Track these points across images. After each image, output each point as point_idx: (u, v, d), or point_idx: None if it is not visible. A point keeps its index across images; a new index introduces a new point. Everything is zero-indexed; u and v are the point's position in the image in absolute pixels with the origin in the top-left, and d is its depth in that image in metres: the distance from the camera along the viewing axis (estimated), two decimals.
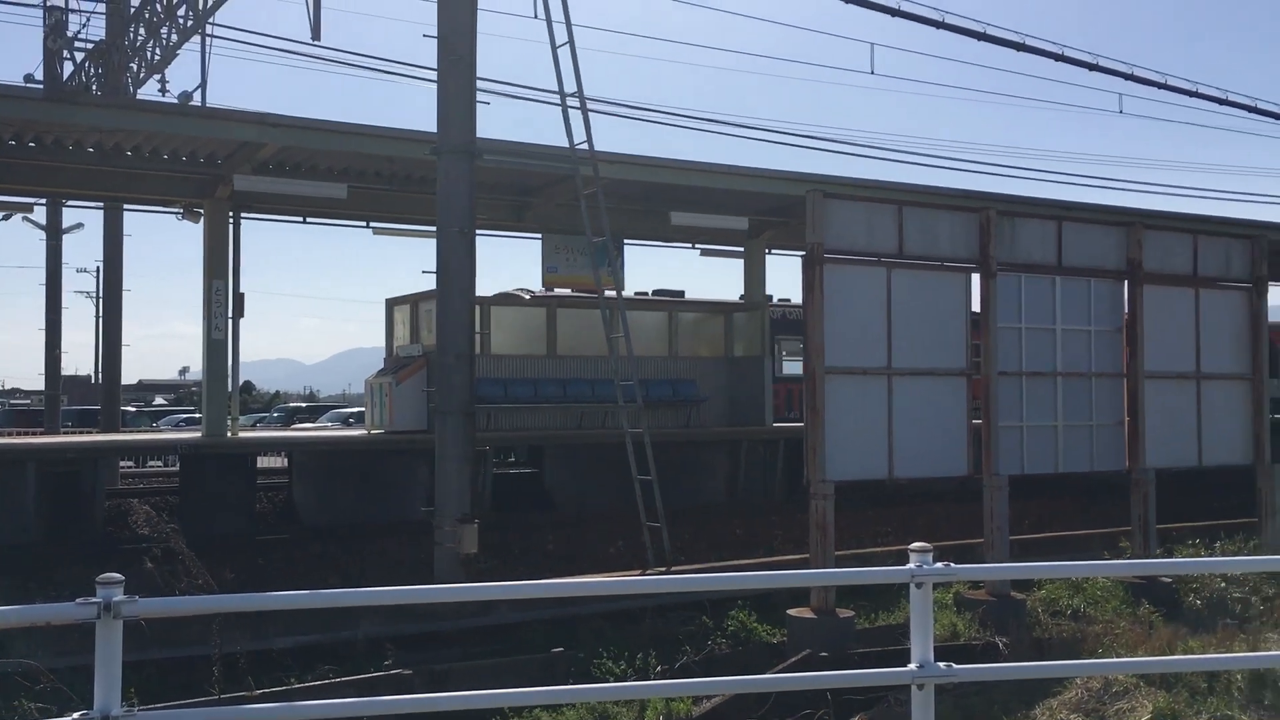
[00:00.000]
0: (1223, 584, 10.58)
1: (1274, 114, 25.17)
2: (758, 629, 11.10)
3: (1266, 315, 13.11)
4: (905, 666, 4.14)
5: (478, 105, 12.82)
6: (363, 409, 24.38)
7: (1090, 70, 20.61)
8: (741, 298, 25.02)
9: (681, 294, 25.31)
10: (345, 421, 31.59)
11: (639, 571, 12.74)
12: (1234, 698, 6.77)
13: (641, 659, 9.52)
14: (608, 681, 9.02)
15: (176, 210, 19.91)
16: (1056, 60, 20.18)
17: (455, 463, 12.37)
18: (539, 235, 21.81)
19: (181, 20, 16.94)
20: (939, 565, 3.56)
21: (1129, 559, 11.48)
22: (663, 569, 12.67)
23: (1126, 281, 12.11)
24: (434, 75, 12.75)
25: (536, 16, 13.95)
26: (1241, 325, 12.81)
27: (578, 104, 13.80)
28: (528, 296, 21.93)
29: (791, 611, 10.08)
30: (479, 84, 13.06)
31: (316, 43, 15.31)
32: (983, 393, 11.38)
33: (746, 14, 28.65)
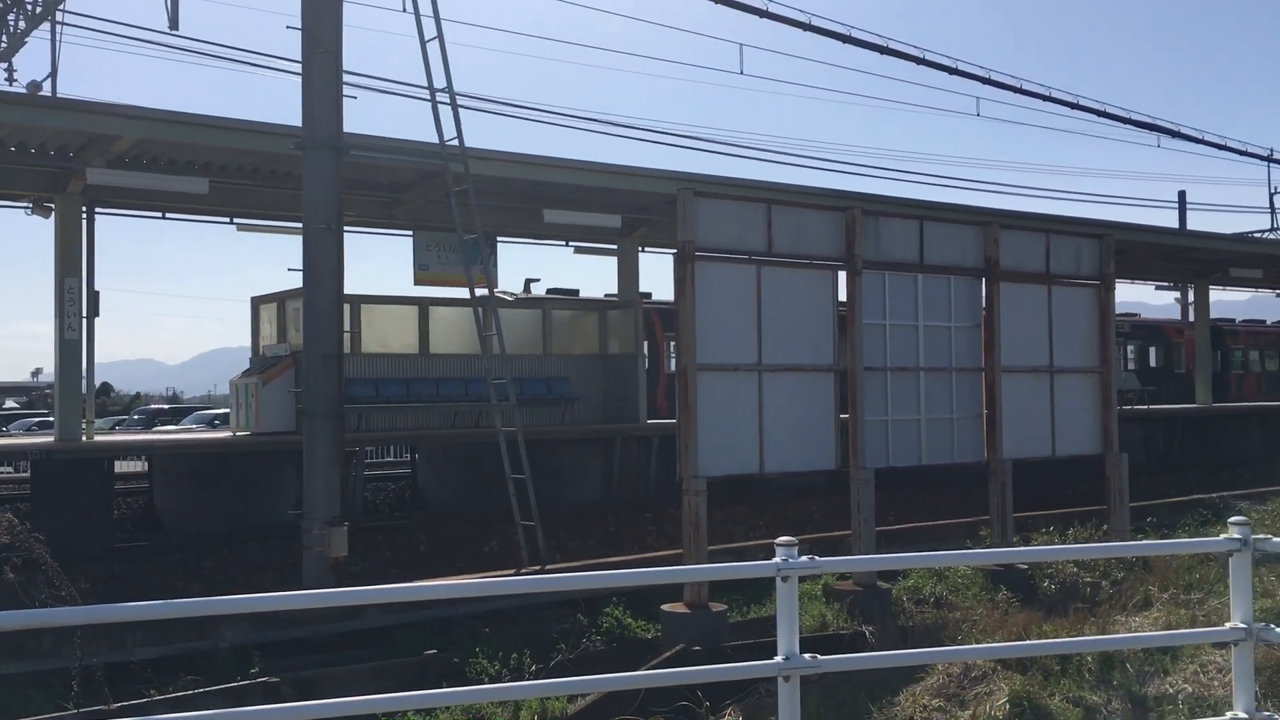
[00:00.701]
0: (1075, 569, 11.04)
1: (1121, 118, 26.42)
2: (633, 625, 11.16)
3: (1114, 310, 13.72)
4: (772, 659, 4.23)
5: (345, 100, 12.56)
6: (228, 410, 23.66)
7: (950, 74, 21.29)
8: (615, 295, 25.10)
9: (576, 293, 25.26)
10: (210, 424, 30.60)
11: (513, 571, 12.67)
12: (1085, 679, 7.08)
13: (516, 659, 9.48)
14: (482, 683, 8.96)
15: (25, 205, 18.96)
16: (918, 64, 20.79)
17: (324, 465, 12.11)
18: (410, 232, 21.47)
19: (30, 6, 16.16)
20: (803, 559, 3.62)
21: (988, 547, 11.90)
22: (537, 568, 12.63)
23: (984, 279, 12.53)
24: (299, 68, 12.44)
25: (405, 10, 13.75)
26: (1091, 320, 13.38)
27: (448, 99, 13.64)
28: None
29: (665, 607, 10.15)
30: (348, 78, 12.80)
31: (175, 32, 14.80)
32: (849, 388, 11.65)
33: (623, 14, 28.76)
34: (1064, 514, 15.26)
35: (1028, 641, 4.64)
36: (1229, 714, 4.41)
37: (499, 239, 22.02)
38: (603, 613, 11.14)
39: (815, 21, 18.82)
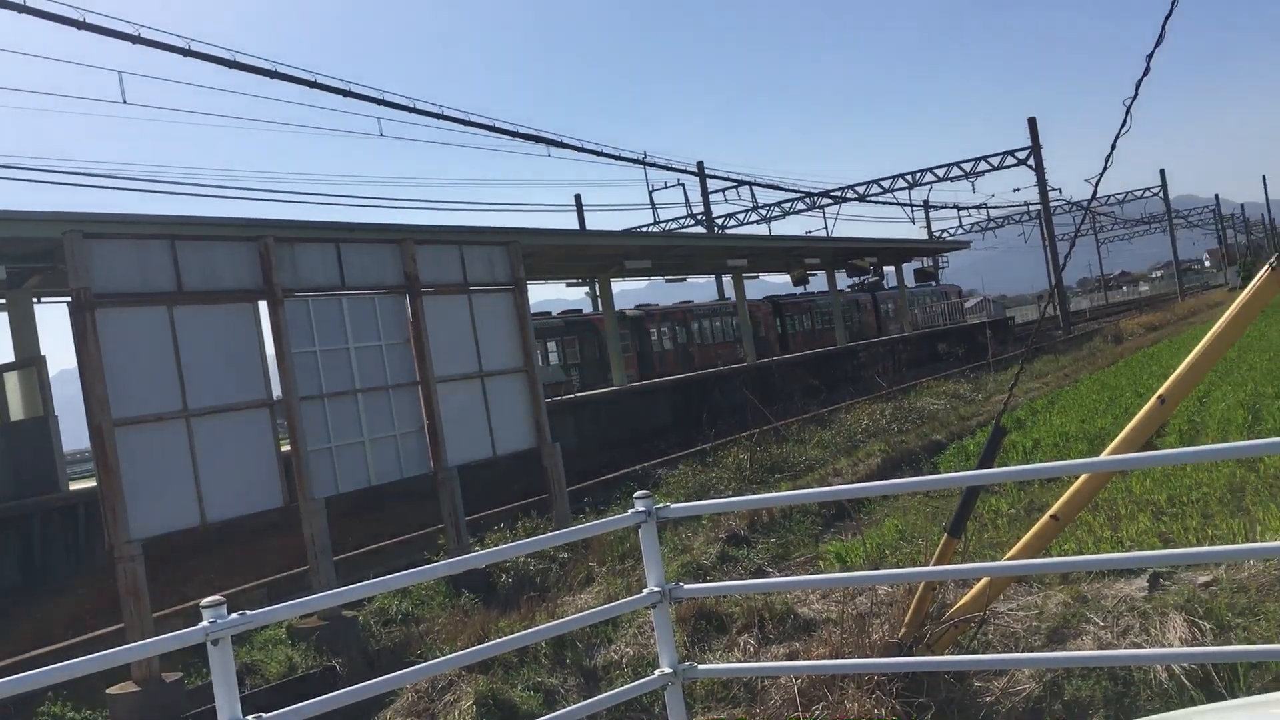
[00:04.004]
0: (527, 559, 11.69)
1: (512, 131, 28.30)
2: (75, 718, 10.00)
3: (529, 311, 14.65)
4: None
5: None
6: None
7: (345, 96, 21.39)
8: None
9: None
10: None
11: None
12: (542, 664, 7.53)
13: None
14: None
15: None
16: (311, 87, 20.67)
17: None
18: None
19: None
20: (234, 617, 3.44)
21: (448, 553, 12.22)
22: None
23: (408, 295, 12.79)
24: None
25: None
26: (511, 323, 14.18)
27: None
28: None
29: (112, 690, 9.23)
30: None
31: None
32: (287, 420, 11.33)
33: None
34: (513, 508, 16.08)
35: (483, 645, 4.81)
36: (656, 671, 4.89)
37: None
38: (35, 712, 9.87)
39: (195, 47, 17.98)
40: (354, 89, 21.06)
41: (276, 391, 11.37)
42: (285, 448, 11.43)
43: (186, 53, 17.83)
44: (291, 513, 11.42)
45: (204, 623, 3.42)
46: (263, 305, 11.28)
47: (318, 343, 11.77)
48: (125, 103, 21.01)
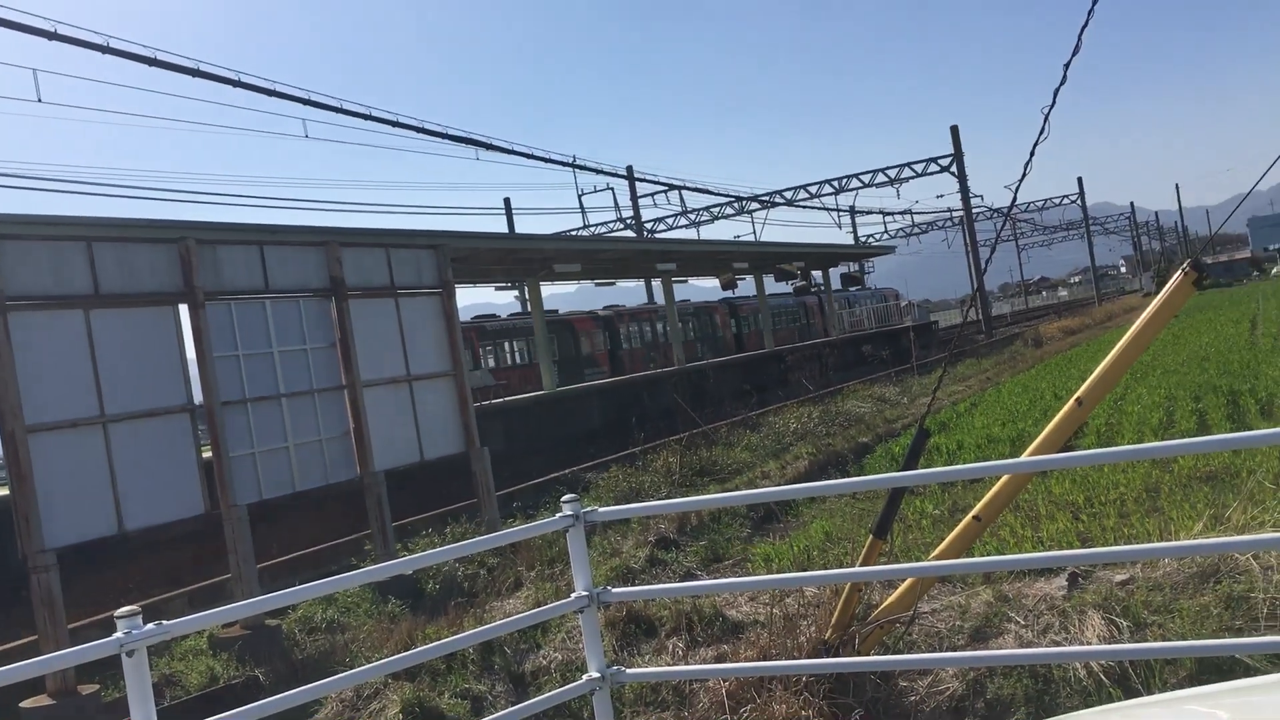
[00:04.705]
0: (455, 564, 11.58)
1: (440, 133, 28.06)
2: None
3: (458, 315, 14.54)
4: None
5: None
6: None
7: (269, 95, 21.01)
8: None
9: None
10: None
11: None
12: (470, 670, 7.46)
13: None
14: None
15: None
16: (235, 86, 20.24)
17: None
18: None
19: None
20: (150, 627, 3.36)
21: (373, 561, 12.06)
22: None
23: (334, 298, 12.61)
24: None
25: None
26: (439, 327, 14.06)
27: None
28: None
29: (26, 703, 8.98)
30: None
31: None
32: (209, 425, 11.11)
33: None
34: (442, 513, 15.92)
35: (410, 652, 4.75)
36: (584, 676, 4.87)
37: None
38: None
39: (115, 44, 17.54)
40: (278, 88, 20.73)
41: (198, 396, 11.15)
42: (207, 454, 11.21)
43: (105, 50, 17.38)
44: (214, 520, 11.19)
45: (118, 634, 3.33)
46: (184, 308, 11.05)
47: (240, 346, 11.55)
48: (40, 101, 20.42)
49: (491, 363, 37.25)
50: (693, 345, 46.40)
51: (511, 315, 43.08)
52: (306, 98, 21.85)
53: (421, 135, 26.83)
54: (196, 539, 18.24)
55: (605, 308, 45.95)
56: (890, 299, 69.44)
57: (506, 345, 38.81)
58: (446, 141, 28.28)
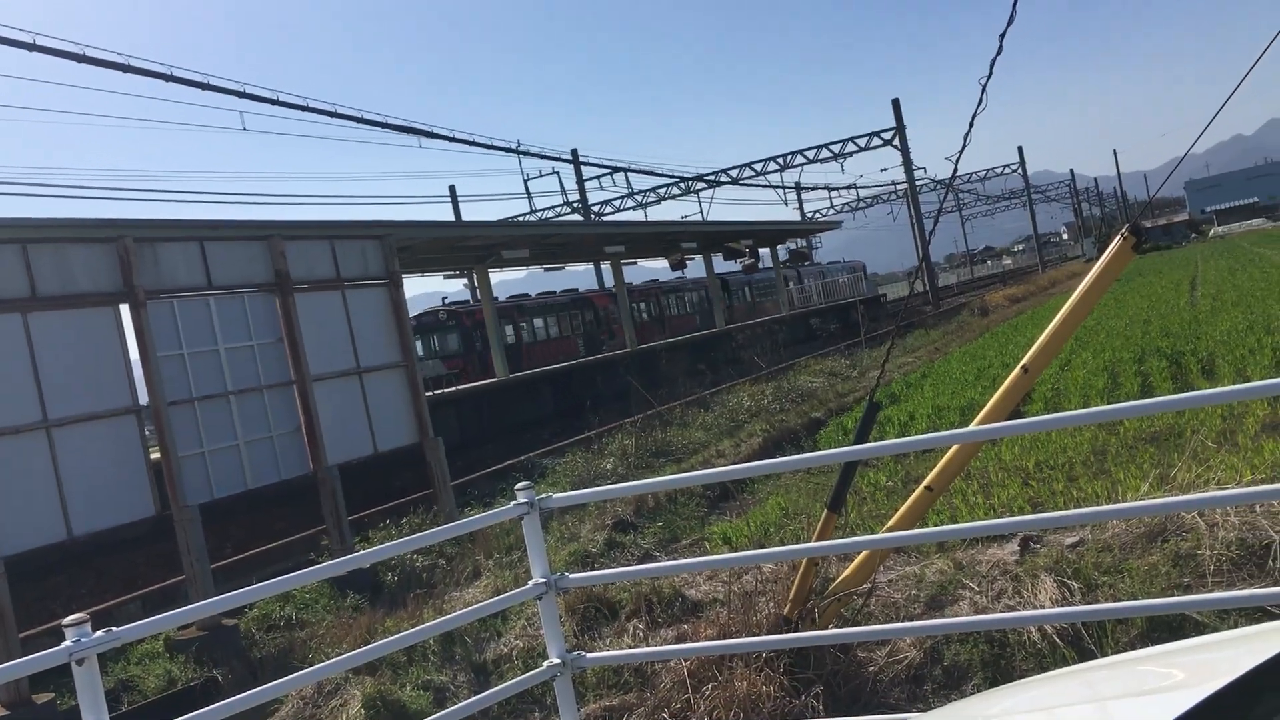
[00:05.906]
0: (413, 555, 11.51)
1: (380, 122, 27.75)
2: None
3: (406, 305, 14.41)
4: None
5: None
6: None
7: (204, 89, 20.65)
8: None
9: None
10: None
11: None
12: (431, 661, 7.43)
13: None
14: None
15: None
16: (168, 80, 19.86)
17: None
18: None
19: None
20: (99, 634, 3.30)
21: (329, 556, 11.96)
22: None
23: (279, 292, 12.46)
24: None
25: None
26: (388, 318, 13.94)
27: None
28: None
29: None
30: None
31: None
32: (156, 426, 10.95)
33: None
34: (397, 505, 15.82)
35: (370, 645, 4.71)
36: (545, 663, 4.86)
37: None
38: None
39: (42, 41, 17.14)
40: (213, 81, 20.36)
41: (144, 396, 10.97)
42: (156, 454, 11.05)
43: (32, 47, 16.99)
44: (166, 521, 11.05)
45: (67, 642, 3.27)
46: (125, 308, 10.86)
47: (185, 345, 11.39)
48: None
49: (526, 336, 39.75)
50: (689, 319, 47.99)
51: (540, 294, 44.12)
52: (242, 90, 21.50)
53: (361, 125, 26.52)
54: (150, 541, 18.04)
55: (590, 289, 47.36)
56: (859, 270, 69.78)
57: (539, 320, 41.14)
58: (387, 130, 28.00)
